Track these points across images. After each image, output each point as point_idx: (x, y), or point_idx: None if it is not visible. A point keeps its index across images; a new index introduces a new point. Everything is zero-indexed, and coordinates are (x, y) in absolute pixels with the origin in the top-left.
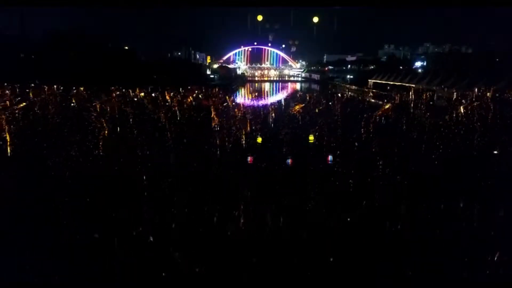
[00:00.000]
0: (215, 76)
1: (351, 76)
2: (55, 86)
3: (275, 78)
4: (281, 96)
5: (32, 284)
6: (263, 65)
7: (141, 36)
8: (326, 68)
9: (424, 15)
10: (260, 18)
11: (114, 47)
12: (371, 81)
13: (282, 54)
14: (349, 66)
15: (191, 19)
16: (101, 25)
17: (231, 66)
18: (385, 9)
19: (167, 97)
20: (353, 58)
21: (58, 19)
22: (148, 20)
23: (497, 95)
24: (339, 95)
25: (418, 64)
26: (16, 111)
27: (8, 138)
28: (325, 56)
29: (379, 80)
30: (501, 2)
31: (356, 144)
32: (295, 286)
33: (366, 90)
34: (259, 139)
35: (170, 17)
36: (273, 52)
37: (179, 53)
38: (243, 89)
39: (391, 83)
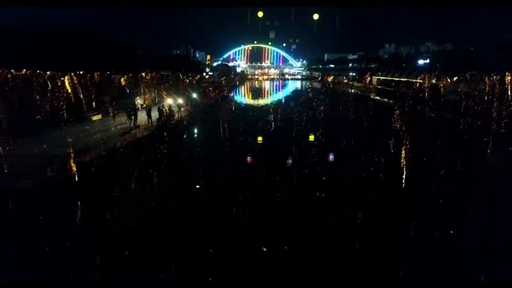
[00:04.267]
0: (214, 74)
1: (353, 74)
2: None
3: (275, 77)
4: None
5: (32, 284)
6: (263, 64)
7: (141, 34)
8: (327, 67)
9: (424, 15)
10: (260, 14)
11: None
12: (374, 78)
13: (282, 52)
14: (350, 64)
15: (191, 18)
16: (102, 22)
17: (230, 64)
18: (385, 9)
19: None
20: (355, 57)
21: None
22: (147, 18)
23: None
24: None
25: (421, 61)
26: None
27: None
28: (326, 55)
29: (383, 77)
30: (501, 2)
31: None
32: None
33: (371, 86)
34: (260, 139)
35: (170, 16)
36: (274, 50)
37: (178, 51)
38: (242, 87)
39: (396, 79)
